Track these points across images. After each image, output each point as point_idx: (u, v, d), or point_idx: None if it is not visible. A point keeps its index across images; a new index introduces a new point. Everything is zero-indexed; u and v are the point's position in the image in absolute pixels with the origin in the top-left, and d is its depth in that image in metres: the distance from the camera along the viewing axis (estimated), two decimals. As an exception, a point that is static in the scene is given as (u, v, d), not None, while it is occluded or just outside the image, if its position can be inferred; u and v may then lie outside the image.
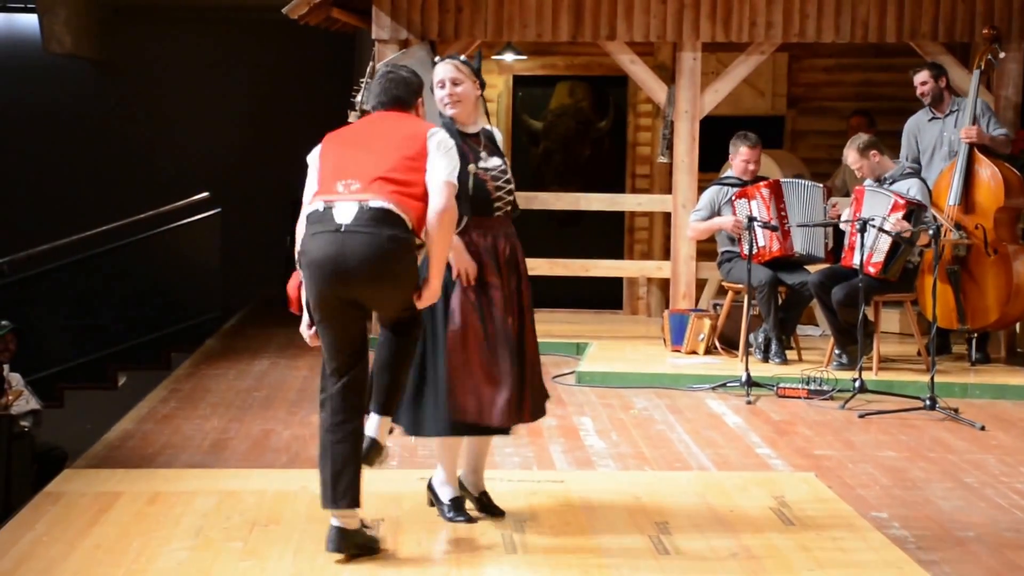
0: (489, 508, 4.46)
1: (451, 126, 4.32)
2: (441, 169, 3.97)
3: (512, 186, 4.41)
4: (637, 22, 8.20)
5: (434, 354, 4.25)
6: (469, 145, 4.33)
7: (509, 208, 4.40)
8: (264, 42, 12.19)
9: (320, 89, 11.84)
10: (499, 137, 4.50)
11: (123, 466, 5.27)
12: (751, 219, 7.12)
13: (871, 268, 7.02)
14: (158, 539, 4.21)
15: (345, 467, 3.91)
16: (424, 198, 3.95)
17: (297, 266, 4.00)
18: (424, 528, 4.35)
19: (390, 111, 4.16)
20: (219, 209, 9.83)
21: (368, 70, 8.61)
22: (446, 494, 4.42)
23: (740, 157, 7.68)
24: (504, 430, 4.34)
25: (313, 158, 4.12)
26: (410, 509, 4.56)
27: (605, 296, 9.91)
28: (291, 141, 12.36)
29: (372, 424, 4.09)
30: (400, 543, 4.19)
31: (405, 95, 4.16)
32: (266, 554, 4.07)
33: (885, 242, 7.00)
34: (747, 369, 6.86)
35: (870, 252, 7.00)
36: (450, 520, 4.36)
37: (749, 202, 7.49)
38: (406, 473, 5.17)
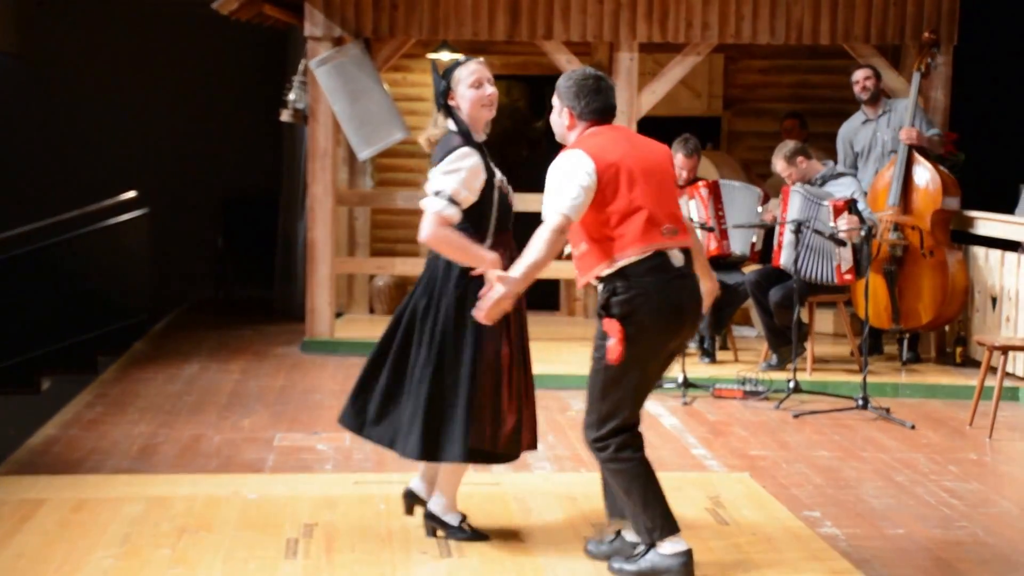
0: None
1: (469, 135, 4.09)
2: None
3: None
4: (574, 22, 8.18)
5: (459, 379, 4.04)
6: (485, 155, 4.12)
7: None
8: (193, 37, 11.95)
9: (251, 86, 11.65)
10: None
11: (47, 472, 5.15)
12: (688, 220, 7.11)
13: (847, 278, 6.86)
14: (83, 547, 4.12)
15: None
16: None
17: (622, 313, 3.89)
18: (358, 533, 4.31)
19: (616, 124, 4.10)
20: (147, 209, 9.61)
21: (300, 68, 8.48)
22: (455, 519, 4.28)
23: (676, 163, 7.67)
24: (512, 457, 4.18)
25: (592, 174, 3.89)
26: (344, 513, 4.52)
27: (542, 298, 9.88)
28: (221, 139, 12.21)
29: None
30: (334, 548, 4.15)
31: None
32: (195, 561, 4.01)
33: (847, 251, 6.88)
34: (683, 370, 6.88)
35: (837, 264, 6.86)
36: (469, 539, 4.23)
37: (688, 202, 7.51)
38: (341, 477, 5.12)
